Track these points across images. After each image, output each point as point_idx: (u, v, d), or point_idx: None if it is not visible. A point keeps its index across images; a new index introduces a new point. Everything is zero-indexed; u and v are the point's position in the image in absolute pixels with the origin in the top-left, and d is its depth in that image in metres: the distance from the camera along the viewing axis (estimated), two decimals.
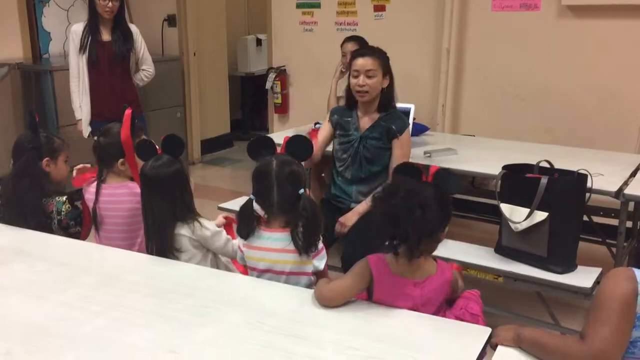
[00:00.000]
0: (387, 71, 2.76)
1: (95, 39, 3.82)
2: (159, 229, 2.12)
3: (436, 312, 1.73)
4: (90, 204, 2.42)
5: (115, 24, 3.88)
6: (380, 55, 2.76)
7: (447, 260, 2.50)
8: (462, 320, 1.70)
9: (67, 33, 5.06)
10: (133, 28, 4.01)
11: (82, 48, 3.82)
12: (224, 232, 2.23)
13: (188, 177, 2.21)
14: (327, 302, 1.71)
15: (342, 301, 1.71)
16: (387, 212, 1.65)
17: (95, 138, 2.46)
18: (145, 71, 4.10)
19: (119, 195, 2.39)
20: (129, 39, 3.92)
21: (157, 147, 2.18)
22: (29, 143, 2.40)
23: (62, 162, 2.46)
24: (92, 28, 3.83)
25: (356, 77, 2.74)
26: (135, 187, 2.35)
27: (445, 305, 1.80)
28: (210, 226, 2.17)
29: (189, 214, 2.16)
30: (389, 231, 1.67)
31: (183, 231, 2.12)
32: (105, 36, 3.87)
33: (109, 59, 3.87)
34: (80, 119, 3.95)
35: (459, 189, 1.80)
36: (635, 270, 1.42)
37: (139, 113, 3.95)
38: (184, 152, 2.27)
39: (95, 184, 2.44)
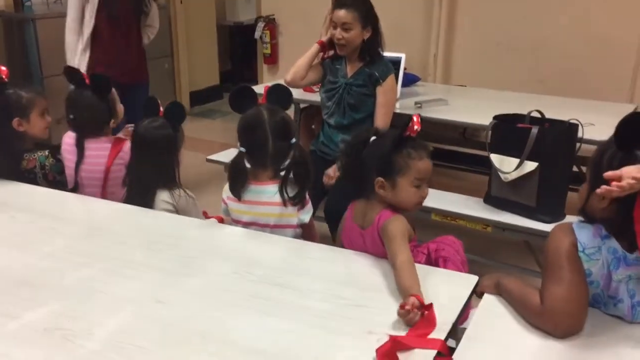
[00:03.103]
0: (368, 23, 2.69)
1: None
2: (142, 190, 2.11)
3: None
4: (67, 156, 2.36)
5: None
6: (360, 7, 2.68)
7: (431, 210, 2.54)
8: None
9: None
10: None
11: None
12: (197, 204, 2.20)
13: (180, 146, 2.18)
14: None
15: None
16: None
17: (71, 116, 2.35)
18: (152, 27, 3.59)
19: (101, 150, 2.35)
20: None
21: (160, 106, 2.15)
22: None
23: (36, 116, 2.33)
24: None
25: (335, 27, 2.70)
26: (119, 142, 2.33)
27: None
28: (193, 196, 2.17)
29: (173, 182, 2.14)
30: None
31: (164, 197, 2.10)
32: None
33: (126, 14, 3.33)
34: None
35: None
36: (574, 223, 1.42)
37: (146, 80, 3.59)
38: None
39: (73, 144, 2.36)
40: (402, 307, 1.36)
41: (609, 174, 1.26)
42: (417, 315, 1.35)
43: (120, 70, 3.19)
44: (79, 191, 2.35)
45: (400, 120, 1.77)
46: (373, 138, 1.72)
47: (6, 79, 2.31)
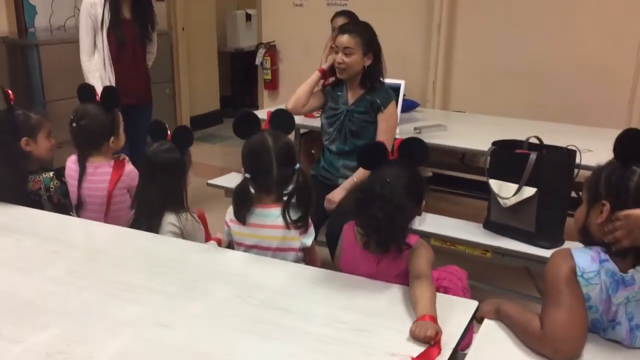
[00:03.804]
0: (369, 49, 2.73)
1: (117, 15, 3.36)
2: (148, 213, 2.12)
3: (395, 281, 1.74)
4: (70, 181, 2.38)
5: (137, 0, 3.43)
6: (363, 33, 2.72)
7: (431, 236, 2.55)
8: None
9: (52, 6, 4.99)
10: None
11: (102, 24, 3.34)
12: (203, 229, 2.22)
13: (188, 169, 2.21)
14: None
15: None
16: (367, 223, 1.70)
17: (74, 124, 2.37)
18: (151, 54, 3.69)
19: (102, 174, 2.36)
20: (151, 17, 3.52)
21: (168, 131, 2.18)
22: (3, 124, 2.32)
23: (42, 138, 2.39)
24: (113, 2, 3.34)
25: (337, 53, 2.74)
26: (119, 166, 2.35)
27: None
28: (199, 220, 2.19)
29: (181, 205, 2.15)
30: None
31: (171, 219, 2.11)
32: (127, 13, 3.41)
33: (132, 39, 3.44)
34: None
35: (427, 157, 1.79)
36: (572, 249, 1.44)
37: (150, 102, 3.67)
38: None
39: (75, 163, 2.39)
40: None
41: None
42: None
43: (127, 93, 3.24)
44: (82, 210, 2.36)
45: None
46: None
47: (12, 102, 2.36)
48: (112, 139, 2.41)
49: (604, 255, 1.40)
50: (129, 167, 2.39)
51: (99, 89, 3.06)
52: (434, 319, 1.43)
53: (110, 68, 3.41)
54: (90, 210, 2.35)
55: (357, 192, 1.73)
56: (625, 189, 1.36)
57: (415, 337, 1.39)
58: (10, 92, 2.36)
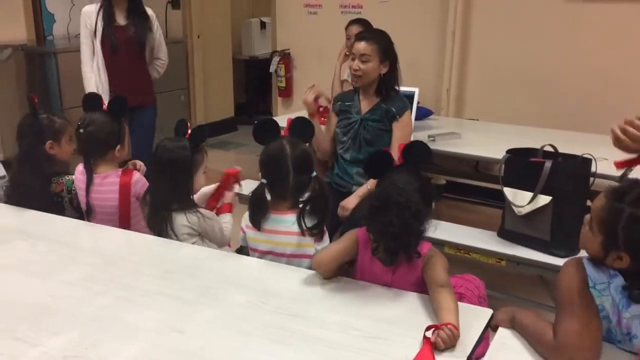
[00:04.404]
0: (386, 57, 2.73)
1: (110, 22, 3.49)
2: (158, 207, 2.14)
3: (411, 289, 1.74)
4: (79, 191, 2.40)
5: (131, 7, 3.55)
6: (380, 41, 2.73)
7: (445, 243, 2.54)
8: None
9: (70, 14, 5.06)
10: (149, 12, 3.63)
11: (96, 32, 3.49)
12: (217, 223, 2.23)
13: (199, 166, 2.23)
14: (322, 264, 1.77)
15: (335, 264, 1.77)
16: (381, 230, 1.69)
17: (82, 130, 2.38)
18: (160, 60, 3.77)
19: (110, 185, 2.38)
20: (145, 24, 3.61)
21: (189, 129, 2.21)
22: (29, 127, 2.38)
23: (65, 142, 2.45)
24: (107, 10, 3.48)
25: (353, 60, 2.75)
26: (126, 175, 2.37)
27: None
28: (210, 216, 2.19)
29: (188, 204, 2.16)
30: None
31: (182, 221, 2.13)
32: (121, 20, 3.55)
33: (126, 44, 3.54)
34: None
35: (430, 160, 1.80)
36: (584, 258, 1.43)
37: (152, 104, 3.77)
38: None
39: (83, 174, 2.40)
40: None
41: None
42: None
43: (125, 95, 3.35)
44: (92, 217, 2.37)
45: None
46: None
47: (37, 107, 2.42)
48: (118, 147, 2.41)
49: (613, 271, 1.38)
50: (136, 176, 2.39)
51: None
52: (456, 329, 1.44)
53: (104, 73, 3.53)
54: (100, 220, 2.35)
55: (371, 199, 1.72)
56: None
57: (441, 339, 1.40)
58: (35, 97, 2.43)
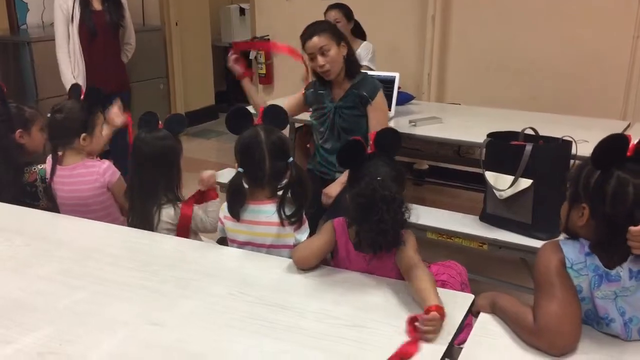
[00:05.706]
0: (339, 38, 2.69)
1: (87, 7, 3.59)
2: (142, 202, 2.09)
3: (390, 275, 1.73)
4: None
5: None
6: (325, 27, 2.69)
7: (427, 228, 2.53)
8: None
9: (44, 3, 4.96)
10: None
11: (73, 17, 3.56)
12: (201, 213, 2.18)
13: (179, 155, 2.18)
14: (303, 261, 1.74)
15: (315, 259, 1.75)
16: (373, 228, 1.65)
17: (49, 115, 2.33)
18: (129, 45, 3.93)
19: (78, 176, 2.32)
20: (120, 8, 3.73)
21: (159, 120, 2.16)
22: None
23: (36, 131, 2.43)
24: None
25: (313, 59, 2.69)
26: (94, 166, 2.31)
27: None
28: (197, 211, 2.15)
29: (174, 195, 2.12)
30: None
31: (165, 217, 2.09)
32: (97, 5, 3.65)
33: (104, 30, 3.65)
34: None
35: (400, 145, 1.81)
36: (561, 240, 1.43)
37: (127, 89, 3.87)
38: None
39: (50, 163, 2.35)
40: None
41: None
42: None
43: (101, 81, 3.40)
44: (64, 212, 2.32)
45: None
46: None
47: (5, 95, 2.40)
48: (83, 135, 2.32)
49: (587, 249, 1.39)
50: (103, 166, 2.31)
51: (69, 79, 3.42)
52: (441, 309, 1.42)
53: (80, 58, 3.59)
54: (74, 212, 2.29)
55: (355, 196, 1.68)
56: (602, 193, 1.34)
57: (425, 329, 1.39)
58: (3, 85, 2.40)
